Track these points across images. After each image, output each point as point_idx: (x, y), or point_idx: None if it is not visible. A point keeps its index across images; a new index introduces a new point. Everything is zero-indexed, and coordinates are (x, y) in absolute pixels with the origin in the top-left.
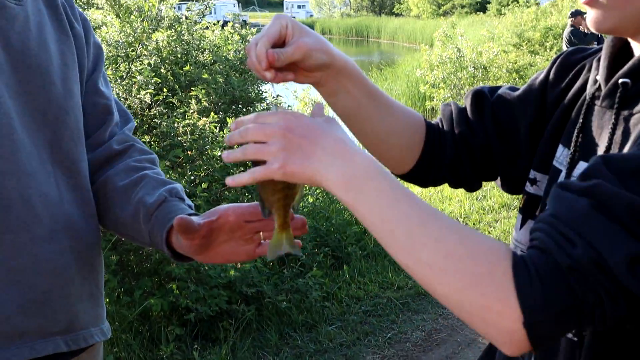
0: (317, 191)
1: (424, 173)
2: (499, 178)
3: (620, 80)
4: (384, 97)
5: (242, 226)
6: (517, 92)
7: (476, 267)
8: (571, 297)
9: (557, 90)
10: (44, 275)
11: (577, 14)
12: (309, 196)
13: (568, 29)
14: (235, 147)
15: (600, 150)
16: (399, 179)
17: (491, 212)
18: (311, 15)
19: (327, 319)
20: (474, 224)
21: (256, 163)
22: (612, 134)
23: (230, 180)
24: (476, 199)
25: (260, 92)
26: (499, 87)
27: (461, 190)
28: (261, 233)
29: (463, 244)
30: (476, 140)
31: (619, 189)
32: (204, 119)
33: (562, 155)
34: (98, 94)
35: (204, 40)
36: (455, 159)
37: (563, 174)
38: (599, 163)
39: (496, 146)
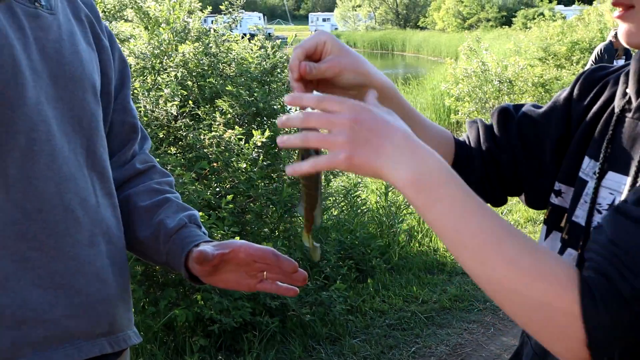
0: (342, 204)
1: None
2: (523, 194)
3: None
4: (420, 117)
5: (250, 264)
6: (542, 109)
7: (546, 290)
8: (633, 323)
9: (582, 105)
10: (86, 278)
11: None
12: (333, 209)
13: (603, 44)
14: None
15: (635, 162)
16: None
17: (517, 227)
18: (336, 29)
19: (351, 332)
20: None
21: (306, 154)
22: None
23: (290, 170)
24: (502, 213)
25: (284, 104)
26: (523, 105)
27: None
28: (265, 273)
29: (536, 266)
30: (503, 157)
31: None
32: (230, 131)
33: (588, 167)
34: (126, 112)
35: (230, 53)
36: (483, 175)
37: (592, 184)
38: None
39: (522, 162)
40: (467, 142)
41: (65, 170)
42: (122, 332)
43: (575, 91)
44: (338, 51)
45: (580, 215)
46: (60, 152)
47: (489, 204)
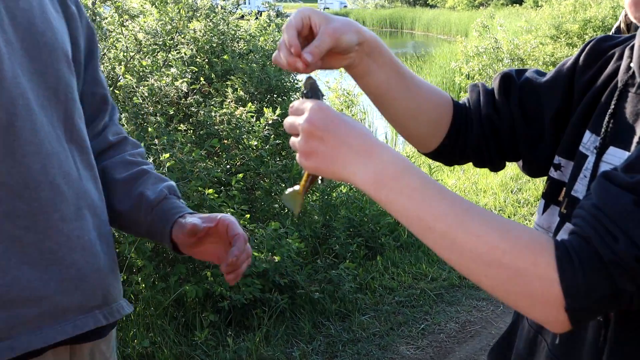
0: None
1: (449, 152)
2: (520, 160)
3: None
4: (413, 76)
5: (227, 239)
6: (545, 77)
7: (520, 259)
8: (612, 287)
9: (586, 77)
10: (77, 252)
11: None
12: (342, 186)
13: (616, 25)
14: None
15: (636, 137)
16: (424, 156)
17: (526, 205)
18: (345, 6)
19: (361, 309)
20: (509, 216)
21: None
22: None
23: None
24: (511, 191)
25: (296, 81)
26: (526, 70)
27: (496, 183)
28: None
29: (504, 237)
30: (502, 123)
31: None
32: (241, 108)
33: (589, 141)
34: (96, 83)
35: (239, 30)
36: (481, 139)
37: (592, 159)
38: None
39: (520, 129)
40: (467, 104)
41: (47, 145)
42: (115, 302)
43: (580, 61)
44: (325, 21)
45: (579, 190)
46: (41, 127)
47: (487, 168)
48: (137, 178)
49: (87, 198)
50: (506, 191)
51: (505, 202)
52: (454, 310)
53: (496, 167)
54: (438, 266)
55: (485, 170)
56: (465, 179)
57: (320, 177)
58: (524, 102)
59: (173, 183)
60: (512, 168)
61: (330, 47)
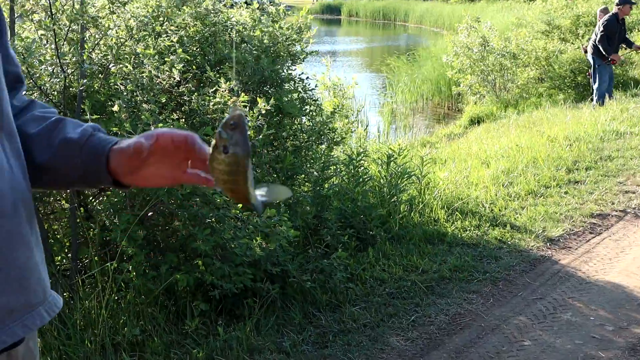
0: (343, 173)
1: None
2: None
3: None
4: None
5: (174, 152)
6: None
7: None
8: None
9: None
10: (17, 249)
11: (625, 3)
12: (335, 178)
13: (607, 16)
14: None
15: None
16: None
17: (517, 199)
18: None
19: (351, 300)
20: (499, 210)
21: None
22: None
23: None
24: (502, 185)
25: (290, 73)
26: None
27: (487, 176)
28: (189, 162)
29: None
30: None
31: None
32: (235, 98)
33: None
34: (8, 61)
35: (229, 20)
36: None
37: None
38: None
39: None
40: None
41: None
42: (50, 296)
43: None
44: None
45: None
46: None
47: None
48: (53, 128)
49: (20, 191)
50: (497, 185)
51: (496, 195)
52: (445, 302)
53: None
54: (429, 258)
55: (477, 164)
56: (457, 172)
57: None
58: None
59: (95, 124)
60: (504, 162)
61: None
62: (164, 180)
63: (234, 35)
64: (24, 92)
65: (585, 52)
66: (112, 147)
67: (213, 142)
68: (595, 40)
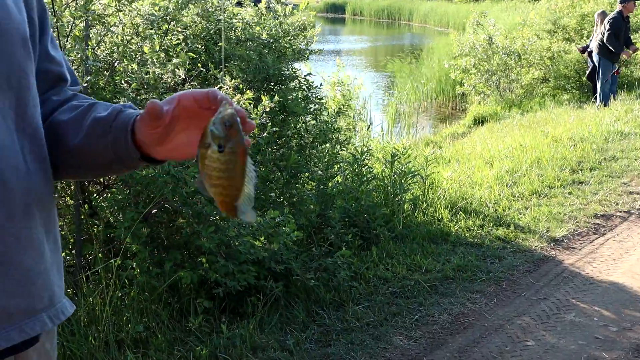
0: (347, 172)
1: None
2: None
3: None
4: None
5: (198, 113)
6: None
7: None
8: None
9: None
10: (25, 253)
11: (629, 0)
12: (338, 176)
13: (612, 14)
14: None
15: None
16: None
17: (521, 199)
18: None
19: (355, 299)
20: (503, 210)
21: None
22: None
23: None
24: (506, 185)
25: (294, 70)
26: None
27: (491, 176)
28: None
29: None
30: None
31: None
32: (239, 95)
33: None
34: (49, 60)
35: (235, 18)
36: None
37: None
38: None
39: None
40: None
41: None
42: (59, 302)
43: None
44: None
45: None
46: None
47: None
48: (86, 111)
49: (35, 194)
50: (501, 185)
51: (500, 195)
52: (448, 302)
53: None
54: (433, 258)
55: (481, 164)
56: (461, 172)
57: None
58: None
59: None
60: (508, 162)
61: None
62: (195, 148)
63: (222, 19)
64: (69, 88)
65: (582, 51)
66: (136, 118)
67: (204, 140)
68: (601, 39)
